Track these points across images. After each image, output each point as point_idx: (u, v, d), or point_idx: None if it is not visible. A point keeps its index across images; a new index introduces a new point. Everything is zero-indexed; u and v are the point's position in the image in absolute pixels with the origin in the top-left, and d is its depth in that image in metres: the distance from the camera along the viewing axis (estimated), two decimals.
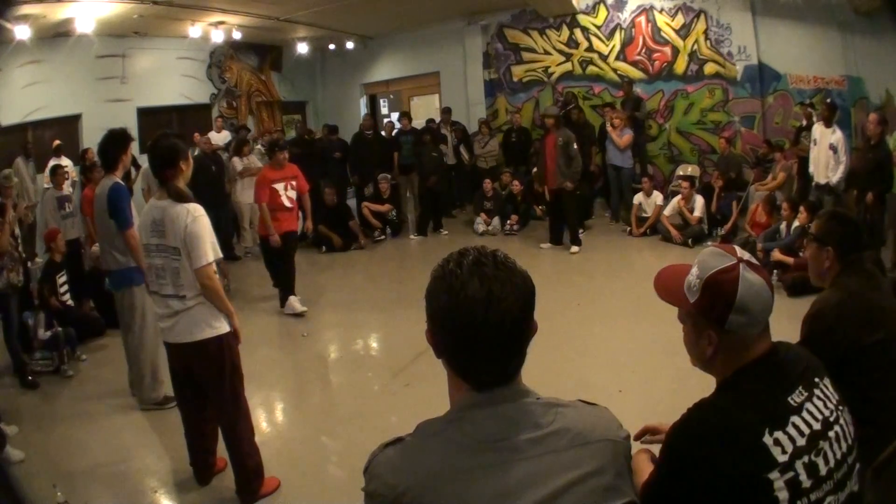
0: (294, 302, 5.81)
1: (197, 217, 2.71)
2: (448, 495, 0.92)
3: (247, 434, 2.94)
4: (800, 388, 1.18)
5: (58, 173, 6.91)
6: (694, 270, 1.22)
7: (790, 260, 5.62)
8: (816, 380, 1.21)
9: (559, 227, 7.65)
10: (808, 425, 1.14)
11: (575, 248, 7.35)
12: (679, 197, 7.68)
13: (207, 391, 2.89)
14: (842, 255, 2.03)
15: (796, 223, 5.89)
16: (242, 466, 2.92)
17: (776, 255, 5.77)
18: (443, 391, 1.06)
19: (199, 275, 2.70)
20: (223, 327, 2.81)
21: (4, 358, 4.77)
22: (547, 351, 4.06)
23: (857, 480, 1.21)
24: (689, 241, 7.28)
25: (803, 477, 1.11)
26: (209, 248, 2.71)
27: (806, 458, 1.12)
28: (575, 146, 7.28)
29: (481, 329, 0.94)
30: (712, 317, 1.19)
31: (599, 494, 0.96)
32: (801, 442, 1.12)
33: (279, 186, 5.72)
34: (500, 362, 0.99)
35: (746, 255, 1.21)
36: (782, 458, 1.10)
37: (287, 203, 5.77)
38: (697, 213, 7.52)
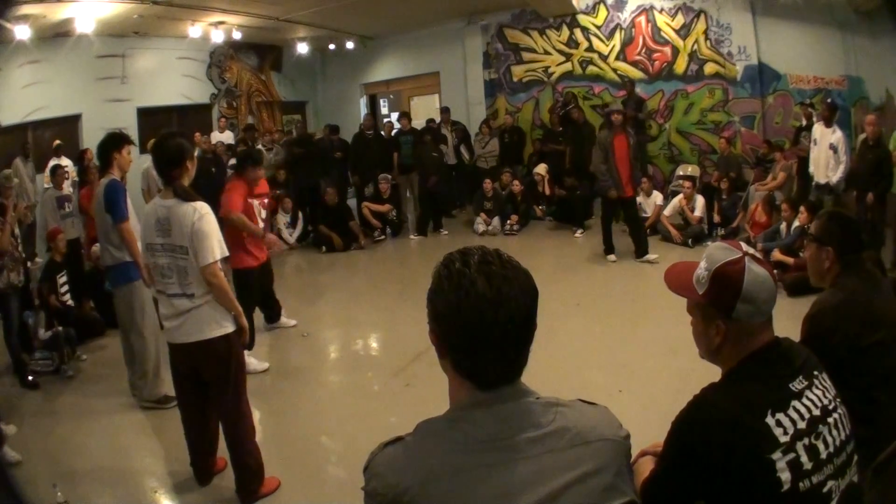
0: (252, 360, 4.42)
1: (204, 215, 2.71)
2: (448, 494, 0.92)
3: (248, 434, 2.94)
4: (800, 377, 1.23)
5: (58, 173, 6.91)
6: (702, 264, 1.29)
7: (790, 260, 5.62)
8: (815, 372, 1.27)
9: (639, 235, 6.92)
10: (808, 410, 1.19)
11: (613, 257, 6.89)
12: (681, 196, 7.68)
13: (211, 391, 2.89)
14: (842, 255, 2.03)
15: (796, 223, 5.89)
16: (243, 466, 2.92)
17: (776, 255, 5.77)
18: (443, 391, 1.06)
19: (205, 273, 2.70)
20: (230, 326, 2.82)
21: (4, 358, 4.77)
22: (547, 351, 4.05)
23: (857, 471, 1.25)
24: (689, 241, 7.28)
25: (804, 459, 1.14)
26: (216, 246, 2.71)
27: (807, 441, 1.16)
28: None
29: (491, 328, 0.94)
30: (720, 306, 1.25)
31: (599, 494, 0.96)
32: (802, 425, 1.17)
33: (255, 203, 4.68)
34: (507, 361, 0.99)
35: (751, 250, 1.28)
36: (784, 439, 1.14)
37: (262, 225, 4.76)
38: (698, 212, 7.53)
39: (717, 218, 7.67)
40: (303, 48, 11.15)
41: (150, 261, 2.85)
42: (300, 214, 8.95)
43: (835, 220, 2.12)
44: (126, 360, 4.17)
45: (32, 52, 7.59)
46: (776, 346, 1.27)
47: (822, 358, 1.33)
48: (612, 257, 6.94)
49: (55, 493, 2.93)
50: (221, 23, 9.26)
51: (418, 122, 10.43)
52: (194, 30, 9.13)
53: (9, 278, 4.48)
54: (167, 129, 3.14)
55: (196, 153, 9.02)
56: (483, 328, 0.94)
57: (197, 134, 9.18)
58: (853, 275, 2.03)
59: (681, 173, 8.98)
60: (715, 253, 1.28)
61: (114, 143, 3.93)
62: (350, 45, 11.55)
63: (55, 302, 5.19)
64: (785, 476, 1.12)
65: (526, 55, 10.65)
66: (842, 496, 1.18)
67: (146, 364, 4.02)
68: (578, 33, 10.09)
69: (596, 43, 10.01)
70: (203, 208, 2.73)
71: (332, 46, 11.82)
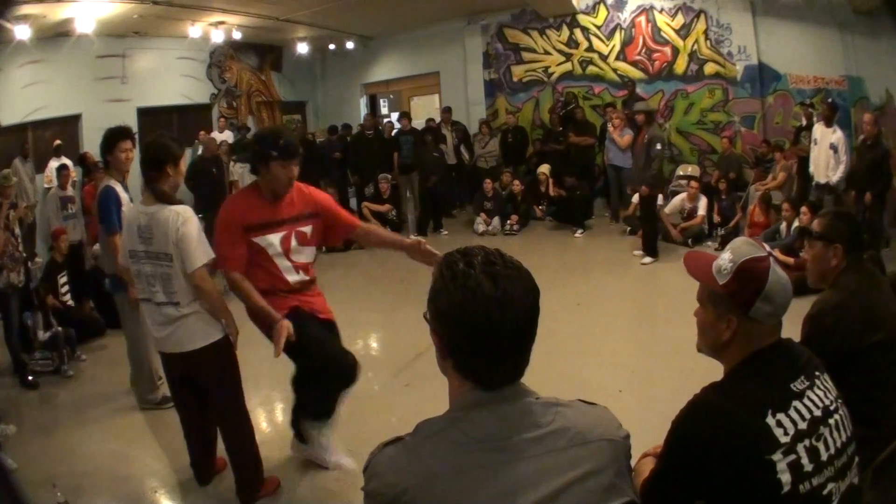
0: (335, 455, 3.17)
1: (187, 219, 2.65)
2: (448, 495, 0.92)
3: (247, 437, 2.94)
4: (802, 377, 1.22)
5: (62, 174, 6.91)
6: (726, 255, 1.26)
7: (790, 260, 5.62)
8: (817, 373, 1.26)
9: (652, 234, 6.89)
10: (809, 411, 1.18)
11: (647, 259, 6.71)
12: (684, 195, 7.67)
13: (207, 395, 2.89)
14: (848, 252, 2.03)
15: (796, 223, 5.89)
16: (242, 469, 2.92)
17: (776, 255, 5.75)
18: (443, 391, 1.06)
19: (193, 278, 2.64)
20: (218, 334, 2.78)
21: (4, 358, 4.76)
22: (547, 351, 4.03)
23: (857, 473, 1.24)
24: (689, 240, 7.28)
25: (805, 460, 1.13)
26: (201, 250, 2.65)
27: (807, 442, 1.15)
28: (658, 147, 6.52)
29: (497, 329, 0.94)
30: (739, 301, 1.23)
31: (599, 494, 0.96)
32: (803, 425, 1.15)
33: (275, 239, 2.74)
34: (511, 362, 0.99)
35: (773, 252, 1.27)
36: (784, 440, 1.13)
37: (295, 274, 2.82)
38: (701, 212, 7.53)
39: (716, 218, 7.68)
40: (303, 48, 11.14)
41: (135, 268, 2.78)
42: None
43: (841, 219, 2.12)
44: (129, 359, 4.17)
45: (32, 52, 7.58)
46: (778, 346, 1.26)
47: (822, 358, 1.32)
48: (639, 255, 6.79)
49: (55, 492, 2.93)
50: (221, 23, 9.26)
51: (418, 123, 10.43)
52: (194, 30, 9.12)
53: (8, 278, 4.48)
54: (159, 132, 3.08)
55: (198, 153, 8.80)
56: (489, 329, 0.94)
57: (202, 132, 9.19)
58: (853, 274, 2.03)
59: (681, 173, 8.98)
60: (741, 247, 1.26)
61: (106, 144, 3.75)
62: (350, 45, 11.54)
63: (53, 302, 5.20)
64: (785, 478, 1.11)
65: (526, 55, 10.64)
66: (842, 498, 1.17)
67: (140, 369, 4.02)
68: (578, 33, 10.09)
69: (596, 43, 10.00)
70: (186, 212, 2.67)
71: (332, 46, 11.81)
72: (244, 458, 2.91)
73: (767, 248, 1.27)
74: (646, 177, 6.57)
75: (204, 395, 2.90)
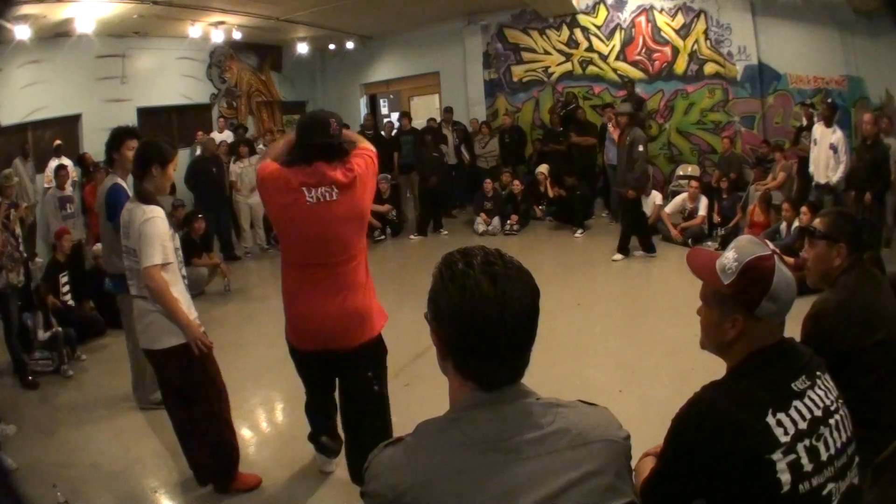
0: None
1: (151, 218, 2.70)
2: (448, 495, 0.92)
3: (219, 443, 2.95)
4: (803, 376, 1.21)
5: (60, 174, 6.91)
6: (730, 254, 1.25)
7: (790, 260, 5.61)
8: (818, 373, 1.25)
9: (643, 234, 7.06)
10: (810, 410, 1.18)
11: (618, 256, 6.92)
12: (685, 195, 7.69)
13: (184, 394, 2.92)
14: (851, 251, 2.03)
15: (796, 223, 5.89)
16: (210, 465, 2.99)
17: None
18: (443, 391, 1.06)
19: (143, 276, 2.68)
20: (179, 338, 2.78)
21: (4, 358, 4.76)
22: (547, 351, 4.04)
23: (857, 473, 1.23)
24: (689, 240, 7.28)
25: (805, 460, 1.13)
26: (157, 250, 2.68)
27: (807, 442, 1.14)
28: (640, 148, 6.60)
29: (496, 329, 0.94)
30: (745, 301, 1.22)
31: (599, 494, 0.96)
32: (803, 425, 1.15)
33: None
34: (511, 362, 0.99)
35: (777, 250, 1.25)
36: (784, 439, 1.12)
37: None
38: (702, 212, 7.55)
39: (716, 218, 7.69)
40: (303, 48, 11.15)
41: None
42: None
43: (845, 218, 2.12)
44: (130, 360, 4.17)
45: (32, 52, 7.59)
46: (780, 345, 1.26)
47: (822, 358, 1.32)
48: (617, 256, 6.93)
49: (55, 493, 2.93)
50: (221, 23, 9.26)
51: (418, 123, 10.42)
52: (194, 30, 9.12)
53: (8, 278, 4.48)
54: (156, 132, 3.16)
55: (197, 153, 8.82)
56: (488, 329, 0.94)
57: (199, 133, 9.19)
58: (854, 274, 2.02)
59: (681, 173, 8.99)
60: (746, 245, 1.24)
61: (114, 141, 3.81)
62: (350, 45, 11.55)
63: (54, 301, 5.19)
64: (785, 477, 1.11)
65: (526, 55, 10.65)
66: (842, 498, 1.17)
67: (142, 369, 4.02)
68: (578, 33, 10.09)
69: (596, 43, 10.00)
70: (152, 211, 2.72)
71: (332, 46, 11.81)
72: (214, 459, 2.97)
73: (772, 245, 1.26)
74: (629, 179, 6.66)
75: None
